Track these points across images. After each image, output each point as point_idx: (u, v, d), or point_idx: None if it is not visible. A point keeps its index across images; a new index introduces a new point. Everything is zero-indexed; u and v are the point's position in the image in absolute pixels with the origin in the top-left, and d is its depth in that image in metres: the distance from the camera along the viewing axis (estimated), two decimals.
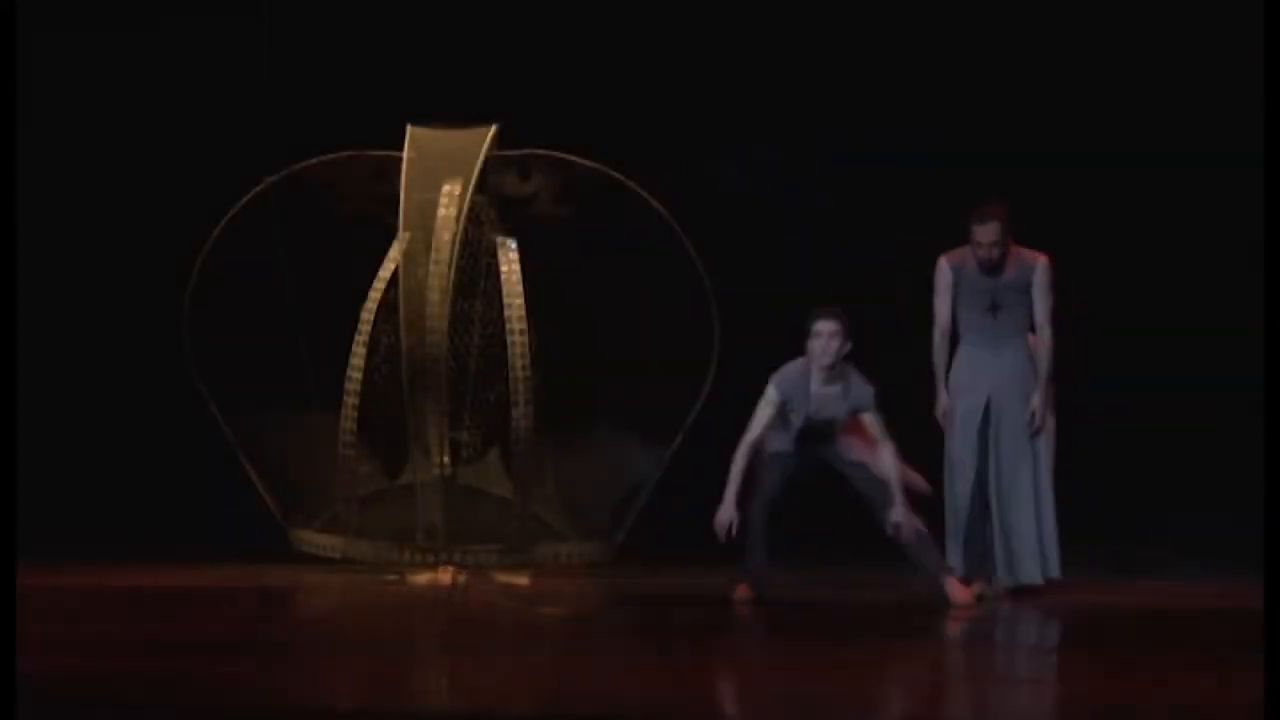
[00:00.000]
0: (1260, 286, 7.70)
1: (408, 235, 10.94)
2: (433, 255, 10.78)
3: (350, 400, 10.69)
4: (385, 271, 10.85)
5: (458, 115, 11.14)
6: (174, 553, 11.52)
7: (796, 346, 9.41)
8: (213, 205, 11.25)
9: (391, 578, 10.58)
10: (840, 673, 6.52)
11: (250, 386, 11.01)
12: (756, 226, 13.05)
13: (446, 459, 11.04)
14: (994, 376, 9.39)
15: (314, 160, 11.21)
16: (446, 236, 10.81)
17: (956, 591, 8.93)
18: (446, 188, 10.91)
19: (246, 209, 11.15)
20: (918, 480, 9.45)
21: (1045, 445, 9.44)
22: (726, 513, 8.89)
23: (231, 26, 12.60)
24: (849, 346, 9.17)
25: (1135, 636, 7.81)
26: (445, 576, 10.72)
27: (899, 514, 8.94)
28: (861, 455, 9.16)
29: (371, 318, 10.78)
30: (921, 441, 9.77)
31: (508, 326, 10.80)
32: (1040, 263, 9.32)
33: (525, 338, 10.77)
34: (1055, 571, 9.34)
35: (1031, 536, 9.28)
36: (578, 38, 12.97)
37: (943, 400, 9.44)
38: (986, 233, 9.25)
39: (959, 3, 13.01)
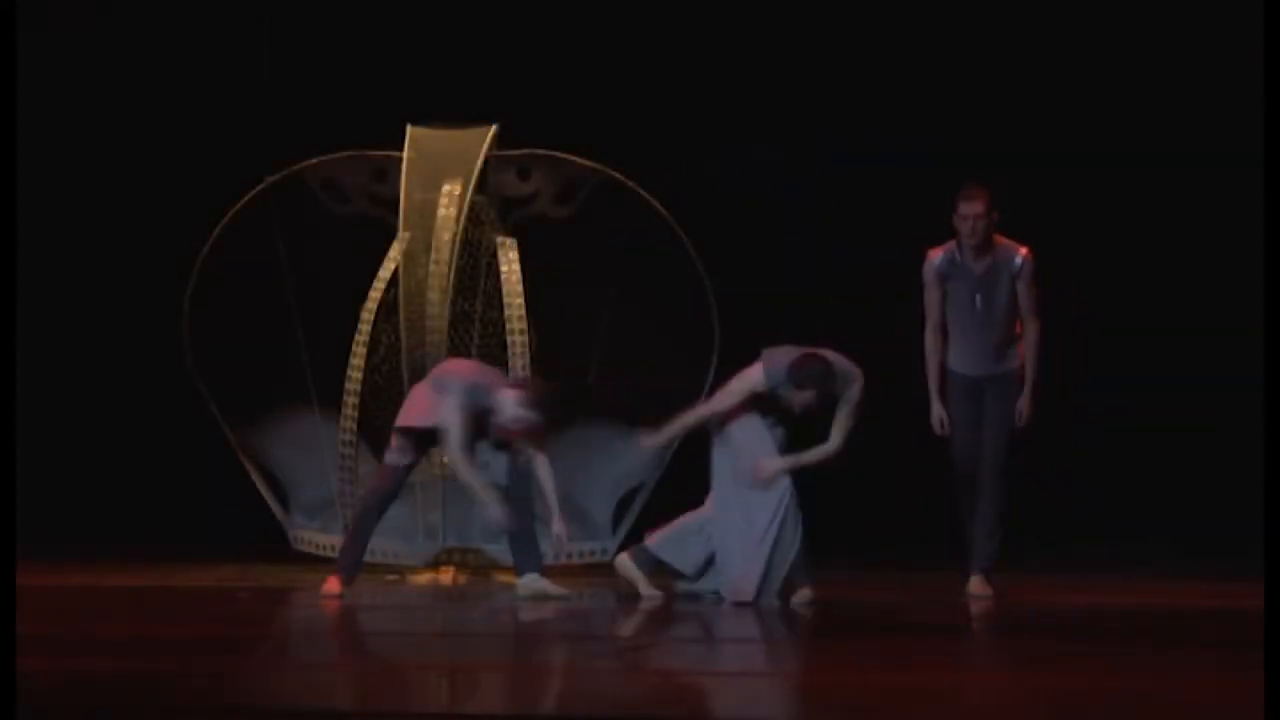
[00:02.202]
0: (1260, 286, 7.69)
1: (408, 235, 10.94)
2: (433, 255, 10.79)
3: (350, 400, 10.69)
4: (385, 271, 10.85)
5: (458, 115, 11.15)
6: (174, 553, 11.52)
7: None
8: (213, 205, 11.26)
9: (391, 578, 10.58)
10: (845, 673, 6.52)
11: (250, 386, 11.01)
12: (756, 226, 13.06)
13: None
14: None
15: (314, 160, 11.22)
16: (446, 236, 10.81)
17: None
18: (446, 188, 10.91)
19: (246, 209, 11.15)
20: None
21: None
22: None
23: (231, 26, 12.61)
24: None
25: (1135, 636, 7.80)
26: (445, 576, 10.73)
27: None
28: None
29: (371, 318, 10.78)
30: (912, 436, 9.81)
31: (508, 326, 10.80)
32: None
33: (525, 338, 10.76)
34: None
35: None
36: (577, 38, 12.98)
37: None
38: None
39: (958, 3, 13.03)
